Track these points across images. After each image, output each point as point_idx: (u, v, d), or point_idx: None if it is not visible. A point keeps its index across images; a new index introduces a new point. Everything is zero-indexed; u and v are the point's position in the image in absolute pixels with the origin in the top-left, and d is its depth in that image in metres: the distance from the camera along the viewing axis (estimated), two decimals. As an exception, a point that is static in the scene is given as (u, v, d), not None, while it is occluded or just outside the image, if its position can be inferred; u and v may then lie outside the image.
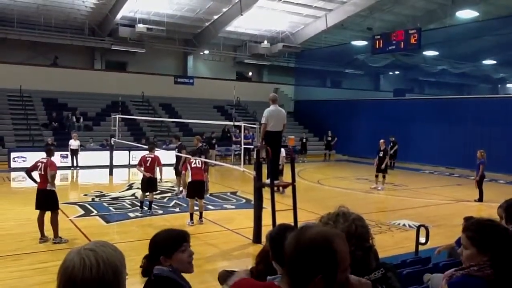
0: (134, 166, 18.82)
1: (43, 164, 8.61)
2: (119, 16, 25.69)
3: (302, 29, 30.58)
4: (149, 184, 11.11)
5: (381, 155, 15.70)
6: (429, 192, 15.57)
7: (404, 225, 10.46)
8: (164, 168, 11.72)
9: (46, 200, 8.54)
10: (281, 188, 13.17)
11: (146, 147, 13.02)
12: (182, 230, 2.80)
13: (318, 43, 31.62)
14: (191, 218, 10.04)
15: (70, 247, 7.66)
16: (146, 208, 11.13)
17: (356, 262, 1.82)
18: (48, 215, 8.59)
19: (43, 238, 8.54)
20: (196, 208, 10.19)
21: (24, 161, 18.70)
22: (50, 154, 9.01)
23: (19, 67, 24.72)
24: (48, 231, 8.57)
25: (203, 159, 11.53)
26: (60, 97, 25.26)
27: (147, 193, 11.21)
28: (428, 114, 23.39)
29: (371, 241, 2.08)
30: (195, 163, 10.30)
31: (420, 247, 6.90)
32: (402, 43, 22.19)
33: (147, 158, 11.29)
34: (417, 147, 23.11)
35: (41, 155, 9.24)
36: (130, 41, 27.66)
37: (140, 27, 25.95)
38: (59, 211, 8.78)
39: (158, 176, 11.38)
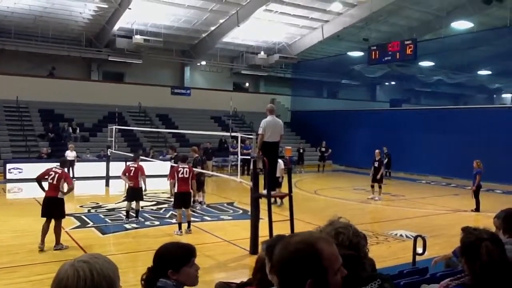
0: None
1: (57, 175, 8.74)
2: (116, 27, 25.78)
3: (299, 40, 30.75)
4: (134, 193, 11.19)
5: (376, 165, 15.70)
6: (426, 202, 15.56)
7: (401, 235, 10.43)
8: (160, 179, 11.72)
9: (56, 208, 8.64)
10: (278, 200, 13.16)
11: (144, 158, 13.05)
12: (189, 244, 2.78)
13: (315, 54, 31.82)
14: (179, 228, 10.08)
15: (65, 260, 7.56)
16: (134, 217, 11.19)
17: None
18: (53, 223, 8.66)
19: (42, 246, 8.59)
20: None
21: (20, 172, 18.61)
22: (64, 165, 9.27)
23: (16, 78, 24.71)
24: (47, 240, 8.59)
25: (199, 170, 11.54)
26: (56, 108, 25.24)
27: (133, 202, 11.27)
28: (425, 124, 23.47)
29: (363, 250, 2.06)
30: (182, 173, 10.23)
31: (417, 258, 6.88)
32: (398, 53, 22.34)
33: (131, 168, 11.33)
34: (414, 157, 23.14)
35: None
36: (127, 52, 27.73)
37: (137, 38, 26.05)
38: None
39: (142, 186, 11.47)
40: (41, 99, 24.71)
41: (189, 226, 10.26)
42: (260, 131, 8.87)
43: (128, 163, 12.00)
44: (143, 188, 11.58)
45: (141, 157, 16.81)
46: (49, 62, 27.16)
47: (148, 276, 2.61)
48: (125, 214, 11.50)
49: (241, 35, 28.84)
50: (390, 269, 6.05)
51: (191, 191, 10.54)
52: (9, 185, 17.44)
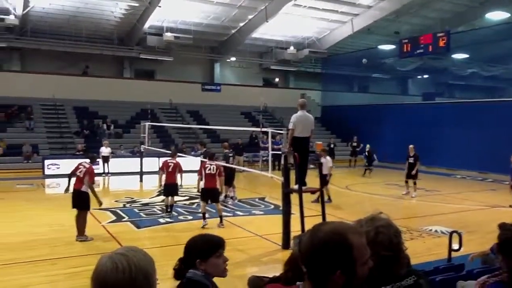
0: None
1: (85, 169, 9.27)
2: (147, 25, 26.18)
3: (328, 34, 30.49)
4: (171, 188, 11.48)
5: (411, 161, 15.41)
6: (462, 198, 15.24)
7: (436, 231, 10.26)
8: (191, 174, 11.91)
9: (80, 200, 9.14)
10: (326, 196, 13.12)
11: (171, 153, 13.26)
12: (218, 236, 2.84)
13: (345, 48, 31.47)
14: (204, 218, 10.29)
15: (102, 253, 7.80)
16: (168, 212, 11.54)
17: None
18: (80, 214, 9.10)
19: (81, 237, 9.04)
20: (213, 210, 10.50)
21: (57, 168, 19.18)
22: (93, 161, 9.79)
23: (52, 76, 25.43)
24: (89, 231, 9.06)
25: (227, 165, 11.69)
26: (91, 106, 25.85)
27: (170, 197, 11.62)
28: (459, 118, 22.91)
29: (402, 249, 2.05)
30: (209, 169, 10.37)
31: (453, 254, 6.77)
32: (430, 46, 21.88)
33: (169, 164, 11.59)
34: (448, 152, 22.64)
35: (74, 162, 9.72)
36: (158, 49, 28.11)
37: (168, 35, 26.36)
38: (91, 215, 9.04)
39: (179, 182, 11.71)
40: (76, 97, 25.35)
41: (221, 221, 10.39)
42: (290, 126, 8.85)
43: (166, 159, 12.21)
44: (179, 184, 11.79)
45: (170, 152, 17.13)
46: (83, 60, 27.80)
47: (178, 267, 2.69)
48: (164, 208, 11.83)
49: (270, 31, 28.79)
50: (425, 265, 5.98)
51: (218, 187, 10.60)
52: (47, 181, 18.00)
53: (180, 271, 2.67)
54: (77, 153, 20.79)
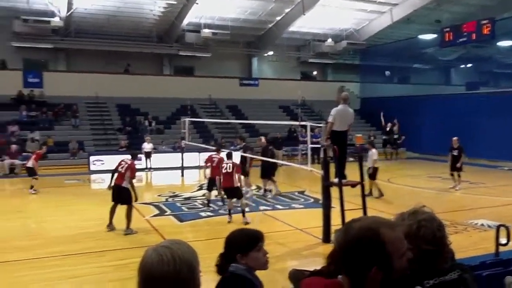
0: (203, 167, 19.41)
1: (126, 165, 9.63)
2: (185, 22, 26.54)
3: (367, 25, 29.98)
4: (215, 183, 11.65)
5: (455, 153, 14.97)
6: (509, 190, 14.71)
7: (482, 224, 9.98)
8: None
9: (120, 195, 9.55)
10: (375, 192, 13.03)
11: (215, 148, 13.45)
12: (256, 230, 2.89)
13: (384, 39, 30.86)
14: (229, 213, 10.35)
15: (145, 246, 8.05)
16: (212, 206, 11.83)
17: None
18: (123, 208, 9.46)
19: (110, 226, 9.50)
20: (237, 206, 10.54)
21: (102, 163, 19.78)
22: (134, 157, 10.15)
23: (95, 75, 26.20)
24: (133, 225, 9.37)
25: (249, 155, 11.80)
26: (133, 103, 26.48)
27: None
28: (505, 108, 22.07)
29: (446, 243, 2.03)
30: (225, 168, 10.33)
31: (501, 248, 6.57)
32: (473, 34, 21.19)
33: (214, 159, 11.82)
34: (493, 143, 21.87)
35: (118, 158, 10.09)
36: (196, 46, 28.46)
37: (205, 32, 26.64)
38: (135, 209, 9.32)
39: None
40: (118, 94, 26.03)
41: (243, 215, 10.20)
42: (330, 119, 8.79)
43: (210, 154, 12.44)
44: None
45: (210, 147, 17.36)
46: (124, 59, 28.49)
47: (220, 262, 2.75)
48: (205, 203, 12.03)
49: (307, 24, 28.58)
50: (470, 259, 5.85)
51: (237, 184, 10.41)
52: (93, 176, 18.62)
53: (222, 266, 2.73)
54: (121, 149, 21.37)
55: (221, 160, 11.58)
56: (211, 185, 11.86)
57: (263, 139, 14.70)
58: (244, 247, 2.73)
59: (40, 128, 22.91)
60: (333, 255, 2.87)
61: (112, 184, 9.67)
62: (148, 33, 28.44)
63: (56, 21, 24.33)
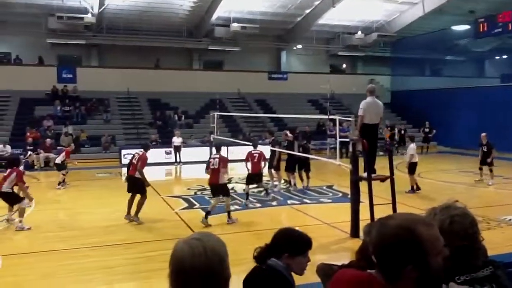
0: (232, 161, 19.50)
1: (138, 156, 10.08)
2: (214, 17, 26.67)
3: (398, 17, 29.44)
4: (256, 177, 11.87)
5: (485, 149, 14.66)
6: (545, 186, 14.25)
7: (516, 220, 9.72)
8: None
9: (134, 185, 10.02)
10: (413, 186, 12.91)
11: (244, 142, 13.54)
12: (308, 236, 2.90)
13: (415, 31, 30.20)
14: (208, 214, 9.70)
15: (175, 238, 8.19)
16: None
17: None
18: (150, 203, 9.93)
19: (128, 216, 9.85)
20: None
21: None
22: (146, 149, 10.54)
23: (126, 70, 26.65)
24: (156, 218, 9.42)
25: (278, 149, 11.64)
26: (163, 97, 26.82)
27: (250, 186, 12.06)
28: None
29: (478, 239, 2.00)
30: (213, 164, 9.90)
31: (535, 245, 6.40)
32: (509, 24, 20.52)
33: (254, 154, 11.98)
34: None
35: (148, 152, 10.37)
36: (225, 40, 28.56)
37: (235, 26, 26.69)
38: (165, 202, 9.49)
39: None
40: (149, 89, 26.40)
41: (229, 216, 9.93)
42: (360, 113, 8.70)
43: (249, 150, 12.56)
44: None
45: (241, 142, 17.47)
46: (154, 54, 28.85)
47: (262, 252, 2.75)
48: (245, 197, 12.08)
49: (337, 16, 28.26)
50: (504, 256, 5.74)
51: (223, 181, 10.04)
52: (124, 169, 18.94)
53: (264, 257, 2.74)
54: (151, 143, 21.69)
55: (261, 155, 11.85)
56: (253, 179, 11.93)
57: (288, 133, 14.68)
58: (295, 249, 2.75)
59: (73, 122, 23.48)
60: (362, 251, 2.86)
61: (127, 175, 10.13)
62: (178, 28, 28.70)
63: (88, 17, 24.85)
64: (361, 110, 8.68)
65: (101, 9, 24.96)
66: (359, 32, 29.94)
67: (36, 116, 23.44)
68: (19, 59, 26.76)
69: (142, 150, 10.45)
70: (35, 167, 19.33)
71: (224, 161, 9.92)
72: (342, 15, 28.32)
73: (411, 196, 12.36)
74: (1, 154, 19.09)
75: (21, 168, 10.71)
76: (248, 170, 12.00)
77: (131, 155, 10.46)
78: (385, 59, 33.46)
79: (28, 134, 21.01)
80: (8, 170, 9.79)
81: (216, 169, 9.75)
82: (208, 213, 9.58)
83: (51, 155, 19.58)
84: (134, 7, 25.52)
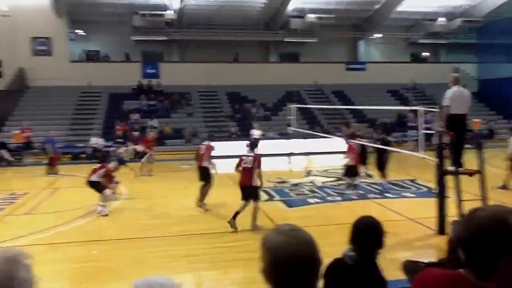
0: (310, 153, 19.48)
1: (204, 146, 11.04)
2: (289, 8, 26.65)
3: (484, 0, 27.60)
4: (353, 169, 12.02)
5: None
6: None
7: None
8: (335, 156, 12.01)
9: (201, 174, 10.73)
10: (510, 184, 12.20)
11: (321, 134, 13.49)
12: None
13: (504, 14, 28.16)
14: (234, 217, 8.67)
15: (258, 229, 8.37)
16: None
17: None
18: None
19: (200, 204, 10.58)
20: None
21: (213, 150, 20.69)
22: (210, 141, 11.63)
23: (206, 65, 27.44)
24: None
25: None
26: (242, 90, 27.29)
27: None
28: None
29: None
30: (245, 162, 8.78)
31: None
32: None
33: (353, 146, 12.20)
34: None
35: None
36: (301, 31, 28.43)
37: (310, 17, 26.50)
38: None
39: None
40: (228, 82, 26.99)
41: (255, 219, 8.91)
42: (445, 103, 8.33)
43: (349, 143, 12.66)
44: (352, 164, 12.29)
45: (316, 133, 17.36)
46: (232, 48, 29.43)
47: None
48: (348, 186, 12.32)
49: (417, 2, 27.14)
50: None
51: (257, 183, 8.87)
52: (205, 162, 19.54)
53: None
54: (232, 135, 22.17)
55: (354, 147, 11.96)
56: (351, 172, 12.02)
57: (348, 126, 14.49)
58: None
59: (158, 116, 24.60)
60: (452, 248, 2.77)
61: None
62: (255, 21, 29.02)
63: (169, 14, 25.86)
64: (445, 100, 8.32)
65: (181, 6, 25.84)
66: (442, 18, 28.51)
67: (125, 110, 24.85)
68: (107, 56, 28.49)
69: (208, 141, 11.27)
70: (124, 159, 20.50)
71: (260, 162, 8.80)
72: (422, 1, 27.16)
73: (504, 193, 11.61)
74: (94, 146, 20.51)
75: (113, 164, 11.53)
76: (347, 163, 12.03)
77: (201, 147, 11.33)
78: (470, 46, 31.56)
79: (117, 127, 22.35)
80: (99, 165, 10.85)
81: (250, 168, 8.64)
82: (237, 213, 8.61)
83: (138, 147, 20.69)
84: (212, 2, 26.17)
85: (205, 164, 10.65)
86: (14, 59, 25.12)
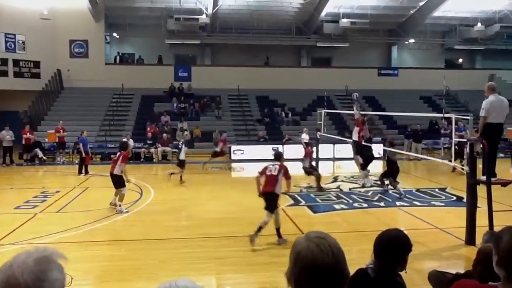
0: (338, 159, 19.34)
1: (120, 154, 11.06)
2: (323, 13, 26.53)
3: (524, 5, 26.85)
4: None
5: None
6: None
7: None
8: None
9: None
10: None
11: (349, 140, 13.41)
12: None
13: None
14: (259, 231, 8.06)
15: (284, 234, 8.36)
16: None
17: None
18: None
19: None
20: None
21: (242, 153, 20.83)
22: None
23: (237, 69, 27.63)
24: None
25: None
26: (271, 94, 27.32)
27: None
28: None
29: None
30: (270, 170, 8.43)
31: None
32: None
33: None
34: None
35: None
36: (334, 36, 28.28)
37: (344, 21, 26.34)
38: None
39: None
40: (258, 86, 27.07)
41: (279, 234, 8.31)
42: (482, 113, 8.12)
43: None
44: None
45: (345, 139, 17.21)
46: (264, 52, 29.54)
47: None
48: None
49: (454, 7, 26.60)
50: None
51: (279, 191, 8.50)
52: (233, 165, 19.70)
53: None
54: (260, 139, 22.23)
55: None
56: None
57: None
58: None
59: (188, 118, 24.89)
60: (483, 261, 2.70)
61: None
62: (287, 26, 29.04)
63: (203, 18, 26.19)
64: (483, 110, 8.10)
65: (214, 10, 26.13)
66: (479, 24, 27.84)
67: (155, 112, 25.26)
68: (141, 59, 29.07)
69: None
70: (154, 160, 20.85)
71: (287, 170, 8.46)
72: (460, 6, 26.60)
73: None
74: (125, 147, 20.90)
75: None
76: None
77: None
78: (508, 52, 30.71)
79: (148, 129, 22.74)
80: (118, 153, 11.16)
81: (275, 176, 8.31)
82: (260, 229, 8.01)
83: (167, 148, 20.98)
84: (246, 6, 26.32)
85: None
86: (53, 60, 25.91)
